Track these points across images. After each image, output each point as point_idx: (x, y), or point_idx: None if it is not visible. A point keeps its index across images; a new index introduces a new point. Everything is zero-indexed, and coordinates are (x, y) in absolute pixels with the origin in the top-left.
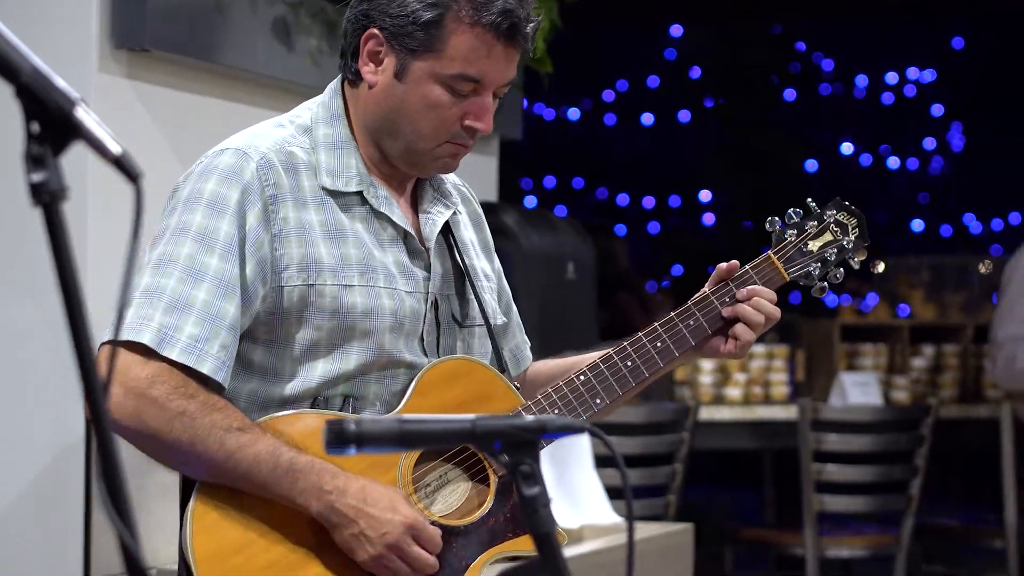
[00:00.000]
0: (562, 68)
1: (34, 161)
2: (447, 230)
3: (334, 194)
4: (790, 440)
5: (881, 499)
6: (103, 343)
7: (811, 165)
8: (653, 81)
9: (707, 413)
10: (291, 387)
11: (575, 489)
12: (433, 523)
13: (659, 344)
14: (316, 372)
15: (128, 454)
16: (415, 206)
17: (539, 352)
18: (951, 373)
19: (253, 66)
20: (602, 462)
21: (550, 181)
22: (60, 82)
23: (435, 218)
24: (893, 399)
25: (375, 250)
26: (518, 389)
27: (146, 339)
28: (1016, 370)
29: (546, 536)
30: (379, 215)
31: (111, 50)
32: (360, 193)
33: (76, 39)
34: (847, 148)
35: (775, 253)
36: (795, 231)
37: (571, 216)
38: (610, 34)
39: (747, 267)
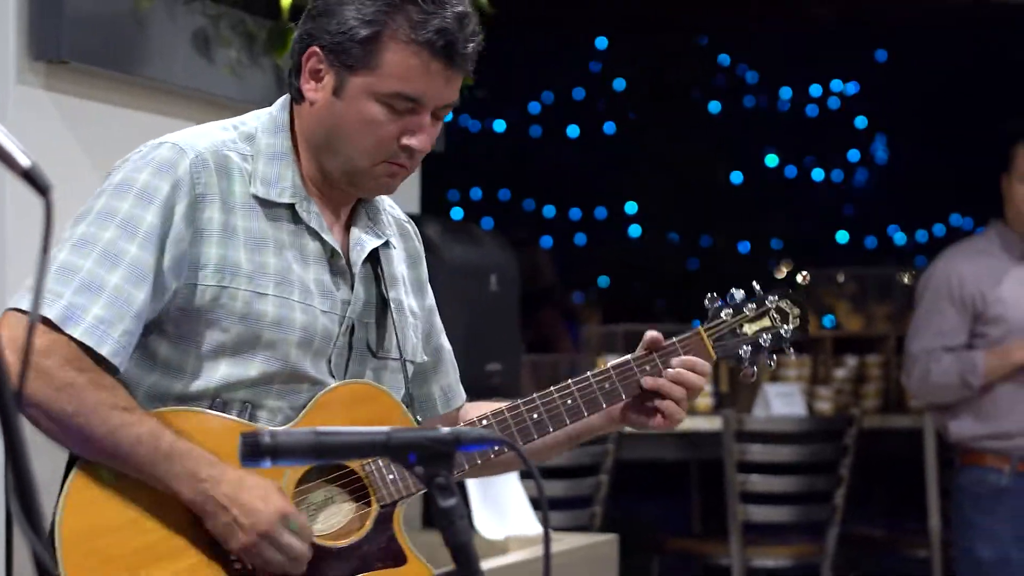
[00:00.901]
0: (487, 80)
1: None
2: (375, 261)
3: (265, 203)
4: (715, 451)
5: (805, 509)
6: (7, 309)
7: (736, 177)
8: (579, 93)
9: None
10: (190, 385)
11: (500, 501)
12: None
13: (569, 402)
14: (217, 373)
15: (39, 469)
16: (349, 230)
17: (462, 364)
18: (874, 383)
19: (172, 78)
20: (526, 473)
21: (476, 193)
22: None
23: (364, 243)
24: (816, 409)
25: (296, 264)
26: (420, 424)
27: (52, 314)
28: (930, 383)
29: (463, 547)
30: (309, 231)
31: (29, 61)
32: (292, 206)
33: None
34: (772, 160)
35: (706, 329)
36: (731, 311)
37: (497, 228)
38: (535, 46)
39: (675, 340)
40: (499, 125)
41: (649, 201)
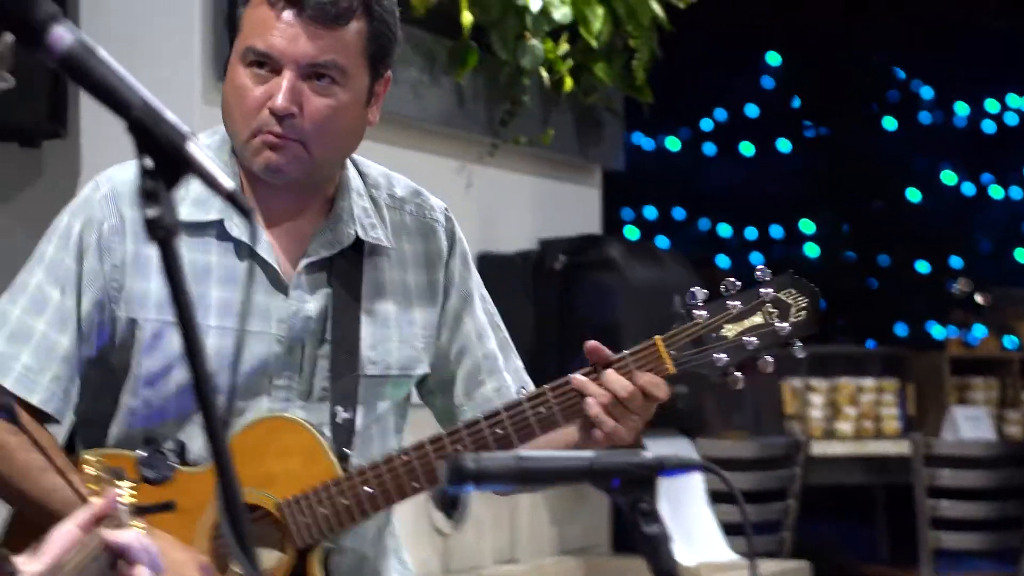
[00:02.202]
0: (661, 97)
1: (148, 196)
2: (356, 269)
3: (187, 227)
4: (902, 475)
5: (997, 536)
6: None
7: (913, 194)
8: (752, 110)
9: (818, 448)
10: (122, 422)
11: (690, 526)
12: None
13: (499, 431)
14: (140, 411)
15: None
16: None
17: None
18: None
19: None
20: (716, 498)
21: (651, 212)
22: (171, 116)
23: (311, 257)
24: (1006, 434)
25: (214, 286)
26: (344, 458)
27: None
28: None
29: (669, 574)
30: (239, 246)
31: (214, 82)
32: (222, 222)
33: (180, 71)
34: (949, 177)
35: (664, 339)
36: (708, 312)
37: (672, 247)
38: (708, 63)
39: (625, 353)
40: (672, 143)
41: (825, 219)
